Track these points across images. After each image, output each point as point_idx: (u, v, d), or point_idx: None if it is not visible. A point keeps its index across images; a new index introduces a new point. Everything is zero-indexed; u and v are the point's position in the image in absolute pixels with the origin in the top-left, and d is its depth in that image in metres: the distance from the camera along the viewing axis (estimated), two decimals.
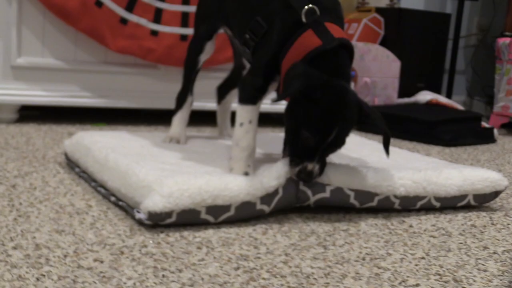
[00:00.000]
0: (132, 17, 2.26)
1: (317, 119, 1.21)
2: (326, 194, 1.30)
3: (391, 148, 1.45)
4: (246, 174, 1.30)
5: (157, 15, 2.30)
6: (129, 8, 2.26)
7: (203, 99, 2.29)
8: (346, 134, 1.26)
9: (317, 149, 1.23)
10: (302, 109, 1.24)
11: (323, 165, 1.26)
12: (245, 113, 1.34)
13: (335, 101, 1.22)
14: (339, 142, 1.26)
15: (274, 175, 1.26)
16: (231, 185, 1.21)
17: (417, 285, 0.99)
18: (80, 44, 2.28)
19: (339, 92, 1.23)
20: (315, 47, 1.27)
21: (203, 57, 1.65)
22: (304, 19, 1.30)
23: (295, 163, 1.24)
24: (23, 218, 1.16)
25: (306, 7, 1.30)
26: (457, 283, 1.01)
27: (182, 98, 1.69)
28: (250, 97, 1.34)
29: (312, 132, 1.22)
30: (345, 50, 1.30)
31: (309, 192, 1.29)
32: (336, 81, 1.25)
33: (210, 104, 2.41)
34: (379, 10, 3.38)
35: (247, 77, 1.38)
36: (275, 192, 1.25)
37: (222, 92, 1.80)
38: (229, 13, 1.54)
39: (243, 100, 1.35)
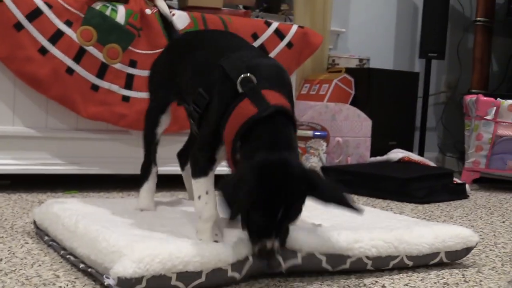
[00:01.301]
0: (103, 84, 2.28)
1: (263, 200, 1.19)
2: (298, 260, 1.29)
3: (366, 206, 1.44)
4: (216, 241, 1.29)
5: (129, 81, 2.32)
6: (100, 75, 2.27)
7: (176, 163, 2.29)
8: (298, 206, 1.23)
9: (271, 226, 1.21)
10: (262, 196, 1.20)
11: (283, 237, 1.24)
12: (199, 185, 1.34)
13: (276, 178, 1.20)
14: (292, 215, 1.23)
15: (245, 242, 1.24)
16: (203, 251, 1.19)
17: None
18: (51, 112, 2.28)
19: (279, 168, 1.20)
20: (250, 115, 1.25)
21: (160, 130, 1.66)
22: (239, 89, 1.29)
23: (254, 241, 1.22)
24: None
25: (241, 75, 1.30)
26: None
27: (146, 169, 1.70)
28: (201, 171, 1.34)
29: (260, 213, 1.20)
30: (284, 116, 1.28)
31: (280, 259, 1.27)
32: (276, 156, 1.22)
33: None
34: (349, 71, 3.42)
35: (195, 153, 1.38)
36: (246, 259, 1.24)
37: (183, 159, 1.82)
38: (180, 85, 1.55)
39: (195, 175, 1.35)
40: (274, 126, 1.26)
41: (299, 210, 1.24)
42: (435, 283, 1.35)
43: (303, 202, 1.24)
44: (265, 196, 1.19)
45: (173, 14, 2.41)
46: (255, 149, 1.23)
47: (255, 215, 1.20)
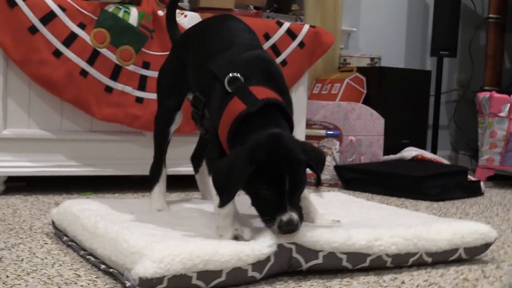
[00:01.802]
0: (117, 85, 2.28)
1: (267, 175, 1.22)
2: (319, 260, 1.29)
3: (380, 206, 1.44)
4: (237, 238, 1.29)
5: (142, 82, 2.32)
6: (114, 76, 2.28)
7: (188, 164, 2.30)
8: (301, 175, 1.26)
9: (282, 200, 1.23)
10: (252, 175, 1.23)
11: (299, 210, 1.26)
12: None
13: (274, 151, 1.23)
14: (298, 185, 1.25)
15: (267, 242, 1.24)
16: (222, 250, 1.19)
17: None
18: (66, 114, 2.29)
19: (274, 141, 1.23)
20: (239, 112, 1.28)
21: (173, 128, 1.67)
22: (228, 89, 1.32)
23: (270, 222, 1.24)
24: None
25: (229, 75, 1.33)
26: None
27: (156, 171, 1.71)
28: None
29: (268, 189, 1.22)
30: (274, 107, 1.31)
31: (301, 260, 1.28)
32: (269, 132, 1.25)
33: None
34: (360, 70, 3.42)
35: (208, 153, 1.40)
36: (267, 259, 1.24)
37: (196, 161, 1.83)
38: (191, 83, 1.57)
39: (211, 173, 1.36)
40: (265, 119, 1.29)
41: (302, 182, 1.26)
42: (454, 279, 1.34)
43: (304, 170, 1.26)
44: (268, 170, 1.21)
45: (185, 15, 2.42)
46: (247, 138, 1.26)
47: (265, 193, 1.23)
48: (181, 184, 2.46)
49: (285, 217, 1.22)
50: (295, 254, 1.27)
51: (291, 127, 1.36)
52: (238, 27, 1.54)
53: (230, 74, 1.33)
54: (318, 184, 1.31)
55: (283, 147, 1.23)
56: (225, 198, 1.24)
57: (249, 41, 1.49)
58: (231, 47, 1.45)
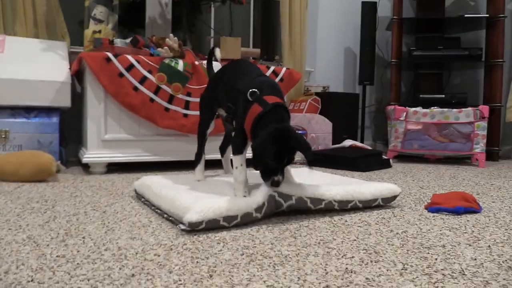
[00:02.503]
0: (171, 107, 2.27)
1: (276, 153, 1.21)
2: (293, 201, 1.29)
3: (332, 174, 1.43)
4: (245, 196, 1.29)
5: (187, 105, 2.32)
6: (170, 101, 2.27)
7: (216, 153, 2.30)
8: (293, 155, 1.24)
9: (278, 168, 1.23)
10: (265, 149, 1.22)
11: (283, 174, 1.26)
12: (237, 160, 1.33)
13: (282, 138, 1.21)
14: (290, 161, 1.25)
15: (262, 195, 1.25)
16: (238, 203, 1.20)
17: (353, 257, 0.97)
18: (142, 125, 2.28)
19: (283, 132, 1.22)
20: (259, 112, 1.27)
21: (209, 131, 1.65)
22: (250, 98, 1.31)
23: (268, 179, 1.24)
24: (110, 231, 1.14)
25: (250, 90, 1.31)
26: (376, 254, 0.99)
27: (198, 156, 1.68)
28: (238, 150, 1.34)
29: (274, 161, 1.22)
30: (280, 108, 1.29)
31: (282, 201, 1.27)
32: (280, 125, 1.23)
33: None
34: (317, 94, 3.40)
35: (234, 138, 1.38)
36: (263, 204, 1.24)
37: (222, 150, 1.81)
38: (219, 102, 1.55)
39: (234, 153, 1.34)
40: (275, 115, 1.27)
41: (292, 159, 1.25)
42: (376, 217, 1.34)
43: (295, 152, 1.25)
44: (277, 150, 1.20)
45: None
46: (265, 128, 1.24)
47: (271, 163, 1.22)
48: (212, 165, 2.46)
49: (276, 178, 1.23)
50: (277, 198, 1.27)
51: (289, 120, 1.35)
52: (249, 64, 1.53)
53: (250, 90, 1.31)
54: (309, 164, 1.27)
55: (287, 137, 1.22)
56: (259, 163, 1.23)
57: (257, 70, 1.47)
58: (247, 75, 1.43)
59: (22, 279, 0.80)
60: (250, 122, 1.28)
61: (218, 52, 1.75)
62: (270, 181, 1.24)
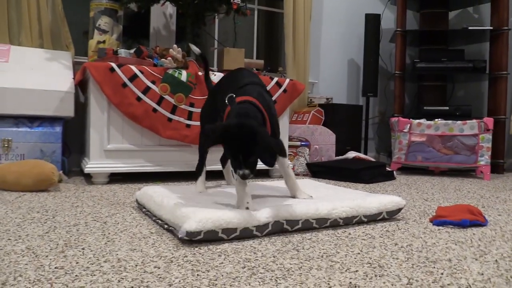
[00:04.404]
0: (174, 117, 2.27)
1: (234, 148, 1.21)
2: (299, 225, 1.27)
3: (334, 187, 1.41)
4: (247, 208, 1.27)
5: (190, 115, 2.31)
6: (173, 112, 2.27)
7: (218, 164, 2.28)
8: (253, 150, 1.21)
9: (239, 163, 1.22)
10: (227, 145, 1.22)
11: (252, 168, 1.23)
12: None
13: (240, 135, 1.20)
14: (250, 155, 1.21)
15: (266, 216, 1.22)
16: (238, 216, 1.17)
17: (357, 271, 0.94)
18: (145, 135, 2.27)
19: (241, 128, 1.20)
20: (227, 110, 1.31)
21: None
22: (226, 103, 1.36)
23: (235, 171, 1.25)
24: (110, 242, 1.12)
25: (228, 95, 1.36)
26: (381, 268, 0.97)
27: (200, 168, 1.68)
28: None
29: (232, 157, 1.22)
30: (247, 103, 1.30)
31: (289, 227, 1.25)
32: (241, 121, 1.22)
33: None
34: (320, 105, 3.40)
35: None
36: (266, 225, 1.21)
37: (223, 161, 1.82)
38: (220, 112, 1.55)
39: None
40: (237, 110, 1.27)
41: (252, 153, 1.21)
42: (380, 230, 1.32)
43: (254, 147, 1.20)
44: (235, 146, 1.21)
45: (214, 74, 2.41)
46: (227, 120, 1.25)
47: (231, 157, 1.23)
48: (214, 176, 2.44)
49: (241, 172, 1.23)
50: (285, 226, 1.25)
51: (263, 117, 1.31)
52: (244, 72, 1.52)
53: (228, 95, 1.35)
54: (268, 165, 1.20)
55: (242, 133, 1.20)
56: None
57: (250, 78, 1.46)
58: (238, 83, 1.43)
59: None
60: (224, 119, 1.32)
61: (194, 47, 1.76)
62: (238, 174, 1.23)
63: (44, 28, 2.57)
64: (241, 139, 1.20)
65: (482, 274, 0.94)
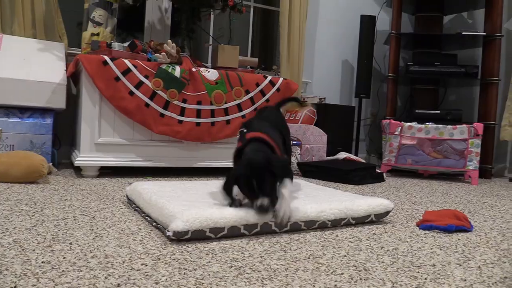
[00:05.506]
0: (167, 113, 2.26)
1: (244, 181, 1.22)
2: (288, 227, 1.27)
3: (324, 188, 1.43)
4: (230, 206, 1.27)
5: (182, 111, 2.31)
6: (165, 107, 2.26)
7: (212, 159, 2.28)
8: (268, 181, 1.21)
9: (255, 194, 1.22)
10: (238, 180, 1.25)
11: (273, 199, 1.22)
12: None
13: (247, 169, 1.22)
14: (265, 187, 1.21)
15: (255, 217, 1.22)
16: (225, 215, 1.18)
17: (342, 273, 0.96)
18: (136, 129, 2.27)
19: (250, 163, 1.22)
20: (237, 147, 1.37)
21: None
22: (238, 138, 1.46)
23: (252, 202, 1.24)
24: (98, 237, 1.12)
25: (240, 130, 1.46)
26: (366, 271, 0.98)
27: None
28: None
29: (246, 188, 1.23)
30: (257, 140, 1.36)
31: (277, 229, 1.26)
32: (249, 155, 1.26)
33: (215, 163, 2.40)
34: (313, 105, 3.41)
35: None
36: (255, 225, 1.21)
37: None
38: None
39: None
40: (248, 147, 1.33)
41: (272, 184, 1.22)
42: (367, 233, 1.34)
43: (271, 179, 1.22)
44: (245, 180, 1.21)
45: (208, 71, 2.41)
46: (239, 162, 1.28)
47: (247, 194, 1.24)
48: (207, 172, 2.43)
49: (259, 203, 1.21)
50: (274, 227, 1.25)
51: (273, 150, 1.36)
52: (265, 111, 1.66)
53: (240, 129, 1.45)
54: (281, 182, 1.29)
55: (253, 168, 1.22)
56: (224, 195, 1.28)
57: (269, 115, 1.59)
58: (255, 120, 1.54)
59: (5, 285, 0.79)
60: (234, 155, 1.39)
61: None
62: (255, 208, 1.21)
63: (37, 17, 2.55)
64: (251, 175, 1.21)
65: (465, 280, 0.96)
